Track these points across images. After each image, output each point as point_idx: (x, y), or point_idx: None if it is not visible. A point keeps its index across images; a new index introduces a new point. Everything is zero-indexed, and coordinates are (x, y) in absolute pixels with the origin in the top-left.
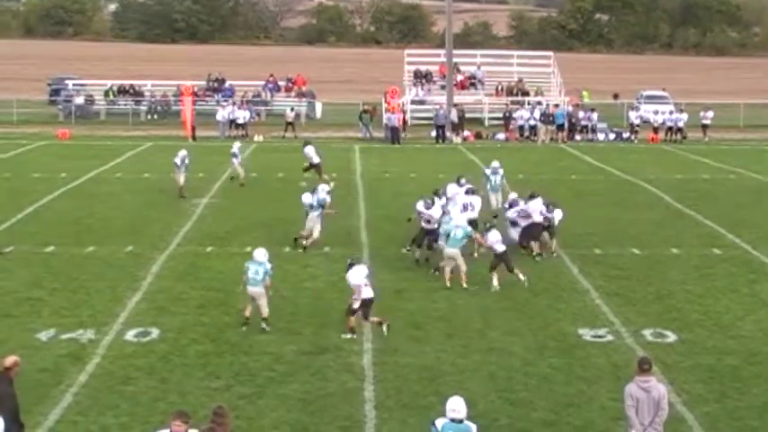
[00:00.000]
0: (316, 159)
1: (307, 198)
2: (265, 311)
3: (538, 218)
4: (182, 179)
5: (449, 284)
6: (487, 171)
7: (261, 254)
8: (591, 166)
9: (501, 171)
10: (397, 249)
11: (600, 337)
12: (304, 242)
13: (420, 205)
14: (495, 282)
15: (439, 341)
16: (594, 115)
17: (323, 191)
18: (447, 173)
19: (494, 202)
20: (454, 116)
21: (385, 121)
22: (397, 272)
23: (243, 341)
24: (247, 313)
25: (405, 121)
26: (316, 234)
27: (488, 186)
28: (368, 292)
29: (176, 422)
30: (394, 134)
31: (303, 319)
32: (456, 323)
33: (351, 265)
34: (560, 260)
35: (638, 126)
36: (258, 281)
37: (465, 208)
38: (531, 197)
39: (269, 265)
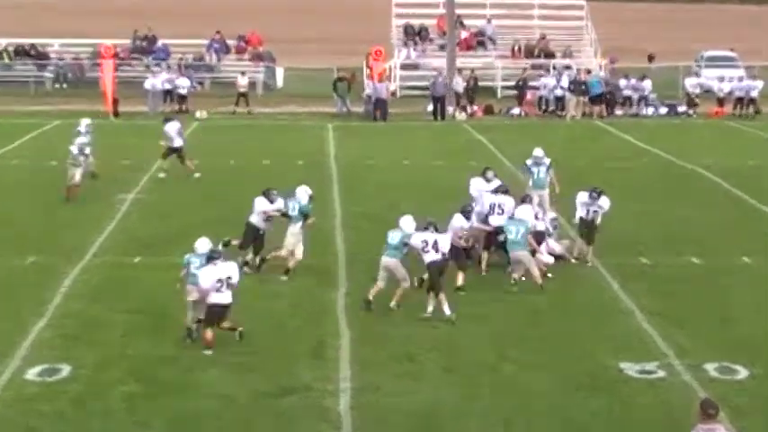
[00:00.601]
0: (178, 142)
1: (277, 205)
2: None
3: (540, 225)
4: (77, 175)
5: (429, 310)
6: (528, 162)
7: (204, 244)
8: (635, 148)
9: (546, 162)
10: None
11: (649, 372)
12: (289, 265)
13: None
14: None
15: (437, 377)
16: (647, 84)
17: (304, 195)
18: (447, 159)
19: (536, 202)
20: (459, 84)
21: (367, 91)
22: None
23: (181, 378)
24: (190, 322)
25: (392, 92)
26: (299, 254)
27: (530, 183)
28: (220, 298)
29: None
30: (379, 109)
31: (262, 350)
32: (460, 353)
33: (209, 259)
34: (595, 272)
35: (697, 97)
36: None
37: (492, 210)
38: (523, 201)
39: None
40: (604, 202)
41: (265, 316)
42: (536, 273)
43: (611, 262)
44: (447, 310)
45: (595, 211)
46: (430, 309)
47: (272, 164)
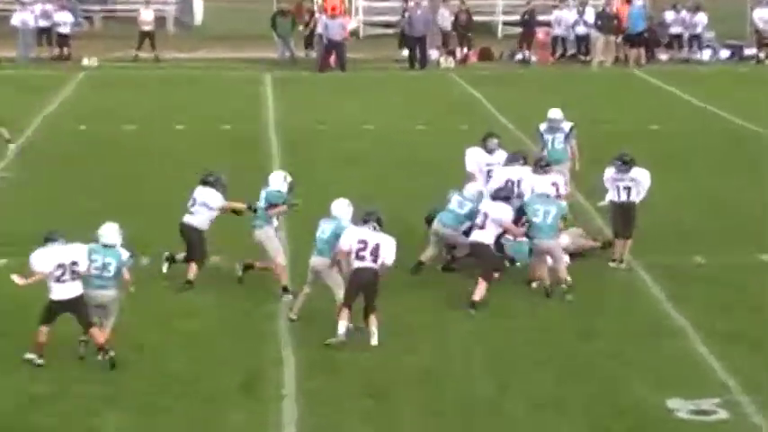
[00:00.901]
0: None
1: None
2: (106, 331)
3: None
4: None
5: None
6: (542, 127)
7: (111, 232)
8: (686, 106)
9: (566, 127)
10: None
11: (706, 412)
12: (283, 280)
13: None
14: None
15: (415, 420)
16: (701, 18)
17: (280, 182)
18: (429, 123)
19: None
20: (445, 20)
21: (319, 30)
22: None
23: (63, 427)
24: (101, 339)
25: (353, 32)
26: (280, 260)
27: (545, 153)
28: (63, 291)
29: None
30: (332, 54)
31: (177, 385)
32: (446, 386)
33: (47, 240)
34: (632, 275)
35: None
36: (109, 279)
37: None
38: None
39: (125, 253)
40: (639, 174)
41: (183, 339)
42: (563, 267)
43: (652, 261)
44: (373, 339)
45: (628, 189)
46: (342, 330)
47: (187, 130)
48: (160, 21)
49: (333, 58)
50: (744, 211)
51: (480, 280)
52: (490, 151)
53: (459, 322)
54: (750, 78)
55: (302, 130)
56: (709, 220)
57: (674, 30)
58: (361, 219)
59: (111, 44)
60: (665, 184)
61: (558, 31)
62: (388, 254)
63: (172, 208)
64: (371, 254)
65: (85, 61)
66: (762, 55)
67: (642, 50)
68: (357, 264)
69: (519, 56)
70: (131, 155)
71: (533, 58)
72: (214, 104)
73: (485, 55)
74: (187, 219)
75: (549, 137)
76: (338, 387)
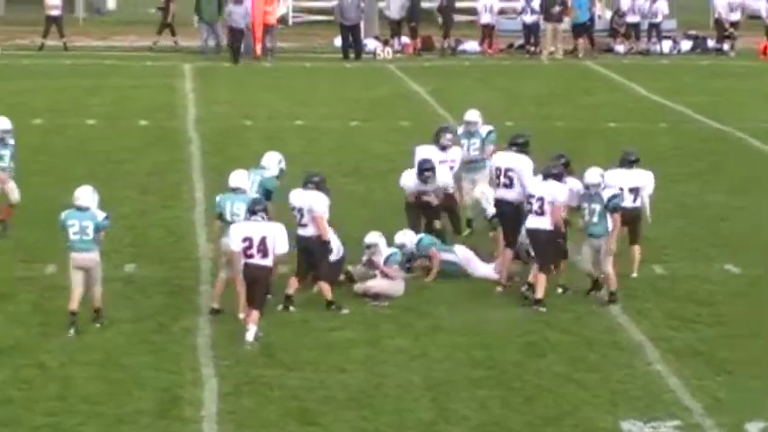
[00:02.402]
0: None
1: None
2: (98, 296)
3: None
4: None
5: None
6: (459, 131)
7: (85, 194)
8: (644, 102)
9: (482, 131)
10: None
11: None
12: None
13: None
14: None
15: None
16: (661, 6)
17: (274, 163)
18: (365, 118)
19: (467, 187)
20: (394, 4)
21: (228, 11)
22: (272, 309)
23: None
24: (74, 305)
25: (280, 19)
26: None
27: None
28: None
29: None
30: (233, 45)
31: (80, 404)
32: (382, 410)
33: None
34: (585, 285)
35: (732, 26)
36: (89, 242)
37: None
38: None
39: (101, 214)
40: (647, 180)
41: (86, 356)
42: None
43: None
44: (249, 335)
45: (634, 190)
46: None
47: (99, 126)
48: (69, 5)
49: (259, 47)
50: (708, 217)
51: (539, 274)
52: (443, 148)
53: (394, 338)
54: (714, 72)
55: (226, 127)
56: (671, 226)
57: (631, 19)
58: (251, 209)
59: (14, 31)
60: None
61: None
62: (281, 244)
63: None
64: (259, 249)
65: None
66: (726, 47)
67: (586, 40)
68: (245, 261)
69: (465, 46)
70: (37, 152)
71: (469, 48)
72: (129, 98)
73: (427, 45)
74: (301, 231)
75: (465, 141)
76: (262, 409)
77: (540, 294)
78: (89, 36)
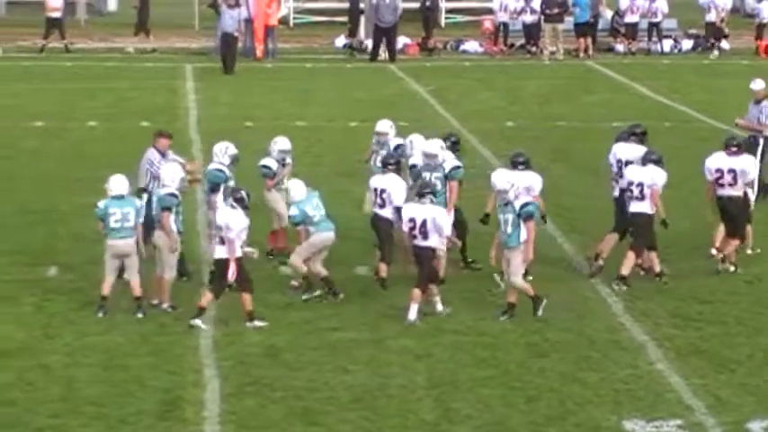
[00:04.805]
0: None
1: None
2: (136, 282)
3: None
4: None
5: None
6: (419, 164)
7: (119, 183)
8: (645, 102)
9: (446, 166)
10: (270, 265)
11: None
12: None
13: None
14: None
15: None
16: (661, 5)
17: (221, 151)
18: (367, 119)
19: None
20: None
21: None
22: (274, 314)
23: None
24: (106, 291)
25: (281, 20)
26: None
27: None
28: None
29: None
30: (225, 52)
31: (83, 406)
32: (385, 410)
33: None
34: (588, 285)
35: (723, 21)
36: (129, 228)
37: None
38: None
39: (138, 202)
40: (658, 176)
41: (89, 357)
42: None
43: (609, 271)
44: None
45: (638, 186)
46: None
47: (100, 128)
48: (70, 7)
49: (261, 49)
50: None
51: (630, 253)
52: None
53: (398, 338)
54: (715, 71)
55: (227, 129)
56: (673, 226)
57: (630, 18)
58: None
59: (15, 33)
60: None
61: (501, 17)
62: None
63: (84, 214)
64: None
65: None
66: (713, 44)
67: (589, 40)
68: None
69: (465, 46)
70: (38, 154)
71: (485, 50)
72: (130, 99)
73: (425, 45)
74: (378, 211)
75: (426, 174)
76: (265, 410)
77: (625, 271)
78: (91, 38)
